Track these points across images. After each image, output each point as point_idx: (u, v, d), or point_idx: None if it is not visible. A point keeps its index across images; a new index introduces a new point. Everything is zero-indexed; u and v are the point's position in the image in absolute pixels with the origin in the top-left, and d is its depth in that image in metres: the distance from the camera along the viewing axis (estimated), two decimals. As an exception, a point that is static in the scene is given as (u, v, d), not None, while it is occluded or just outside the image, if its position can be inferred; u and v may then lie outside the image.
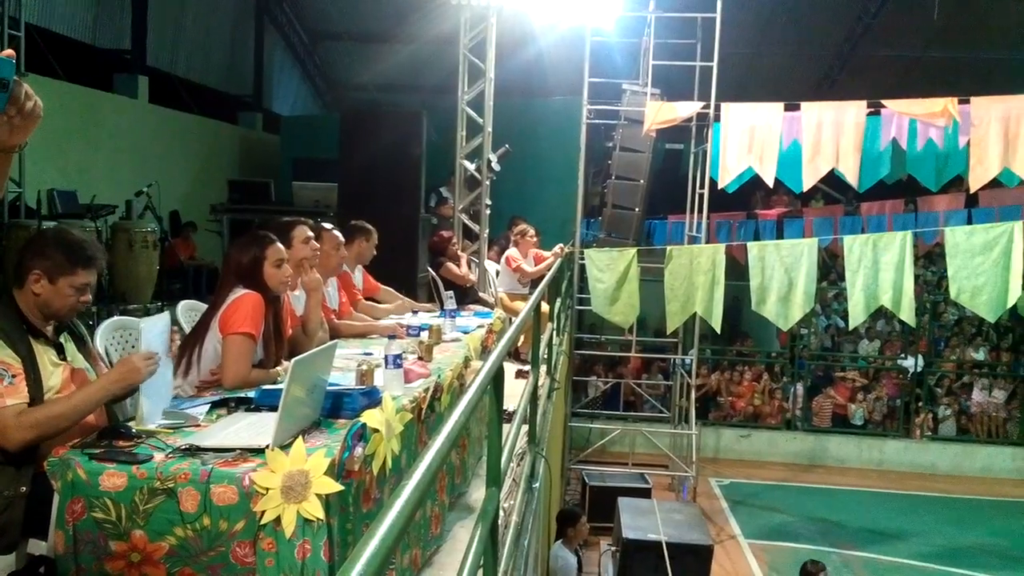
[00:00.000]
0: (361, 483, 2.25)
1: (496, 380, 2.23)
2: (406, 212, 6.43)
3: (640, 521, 5.15)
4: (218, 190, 10.57)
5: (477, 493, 3.63)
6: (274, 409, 2.21)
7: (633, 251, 9.34)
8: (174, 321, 3.16)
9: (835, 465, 13.20)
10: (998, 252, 8.21)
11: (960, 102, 9.40)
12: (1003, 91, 9.36)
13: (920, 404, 13.58)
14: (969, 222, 12.92)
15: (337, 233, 4.20)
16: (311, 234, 3.74)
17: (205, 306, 3.29)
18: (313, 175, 9.11)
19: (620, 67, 11.38)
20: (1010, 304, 8.28)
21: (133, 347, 3.11)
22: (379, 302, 4.83)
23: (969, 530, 10.60)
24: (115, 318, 3.42)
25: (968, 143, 9.38)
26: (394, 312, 4.69)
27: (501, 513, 2.54)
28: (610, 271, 9.23)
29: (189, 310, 3.69)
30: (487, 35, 7.54)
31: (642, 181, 10.39)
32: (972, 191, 10.87)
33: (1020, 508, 11.60)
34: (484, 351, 4.09)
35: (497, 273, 7.68)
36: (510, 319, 5.92)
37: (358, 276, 4.79)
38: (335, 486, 2.01)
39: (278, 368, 3.13)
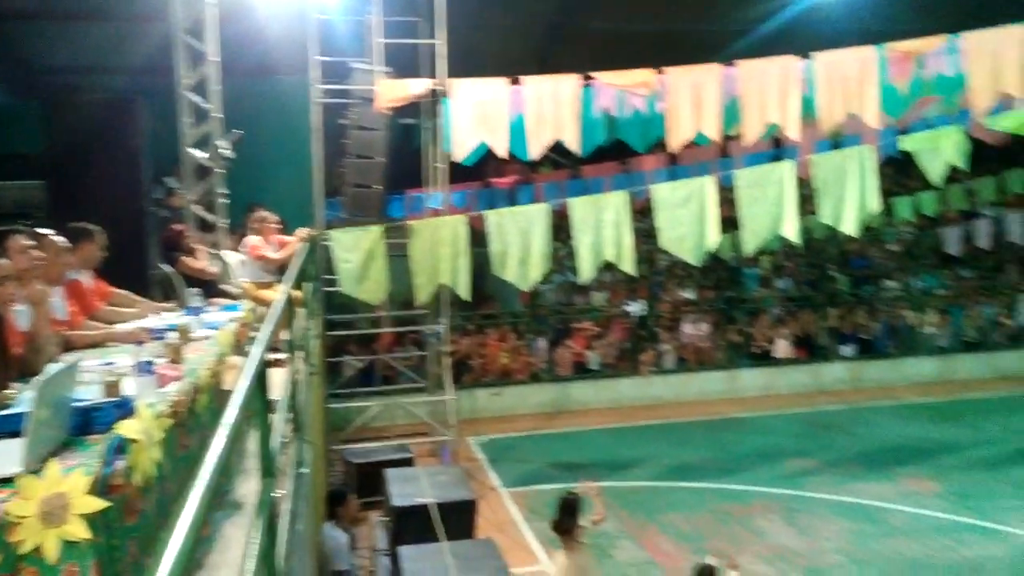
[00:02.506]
0: (124, 497, 2.23)
1: (262, 373, 2.30)
2: (130, 207, 6.06)
3: (407, 488, 5.39)
4: None
5: (242, 488, 3.63)
6: (12, 435, 2.12)
7: (378, 229, 9.47)
8: None
9: (579, 409, 14.41)
10: (696, 204, 9.38)
11: (659, 72, 10.53)
12: (693, 61, 10.51)
13: (645, 344, 15.16)
14: (672, 179, 14.52)
15: (58, 239, 3.92)
16: (29, 243, 3.48)
17: None
18: (9, 173, 8.12)
19: (348, 45, 11.32)
20: (709, 248, 9.53)
21: None
22: (116, 307, 4.56)
23: (692, 448, 12.13)
24: None
25: (665, 109, 10.54)
26: (137, 316, 4.46)
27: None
28: (356, 251, 9.29)
29: None
30: (206, 16, 7.20)
31: (380, 159, 10.50)
32: (672, 151, 12.26)
33: (730, 423, 13.45)
34: (239, 345, 4.05)
35: (241, 263, 7.46)
36: (257, 309, 5.84)
37: (87, 282, 4.49)
38: (99, 503, 1.98)
39: (7, 392, 2.92)
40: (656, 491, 10.43)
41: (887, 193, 13.65)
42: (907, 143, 9.41)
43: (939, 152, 8.99)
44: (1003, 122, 9.09)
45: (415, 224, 9.66)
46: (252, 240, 7.44)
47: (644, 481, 10.78)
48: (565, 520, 6.54)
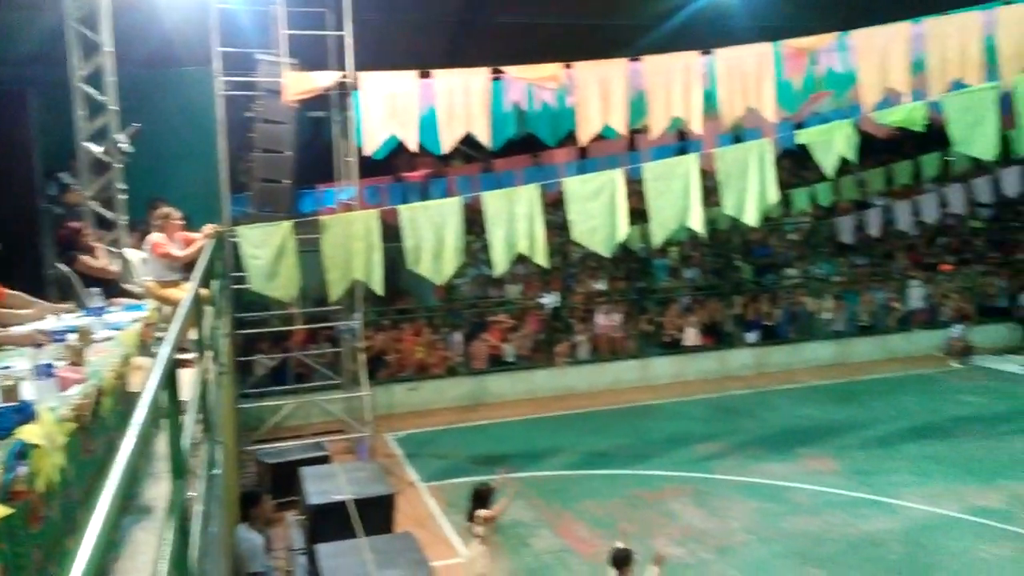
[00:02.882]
0: (27, 503, 2.15)
1: (171, 373, 2.26)
2: (21, 204, 5.77)
3: (324, 486, 5.33)
4: None
5: (152, 491, 3.54)
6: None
7: (287, 225, 9.28)
8: None
9: (495, 402, 14.50)
10: (606, 196, 9.55)
11: (567, 66, 10.68)
12: (600, 56, 10.70)
13: (559, 335, 15.36)
14: (582, 172, 14.75)
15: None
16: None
17: None
18: None
19: (252, 36, 11.03)
20: (620, 240, 9.73)
21: None
22: (10, 308, 4.35)
23: (605, 436, 12.38)
24: None
25: (574, 103, 10.70)
26: (33, 318, 4.26)
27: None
28: (265, 247, 9.10)
29: None
30: (100, 3, 6.90)
31: (288, 152, 10.31)
32: (582, 145, 12.45)
33: (642, 411, 13.80)
34: (144, 346, 3.93)
35: (143, 261, 7.20)
36: (162, 308, 5.67)
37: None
38: (1, 510, 1.92)
39: None
40: (572, 479, 10.61)
41: (785, 185, 14.21)
42: (802, 136, 9.82)
43: (832, 145, 9.42)
44: (890, 116, 9.58)
45: (326, 219, 9.51)
46: (155, 237, 7.18)
47: (560, 470, 10.95)
48: (477, 511, 6.68)
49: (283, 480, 8.78)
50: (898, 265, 18.25)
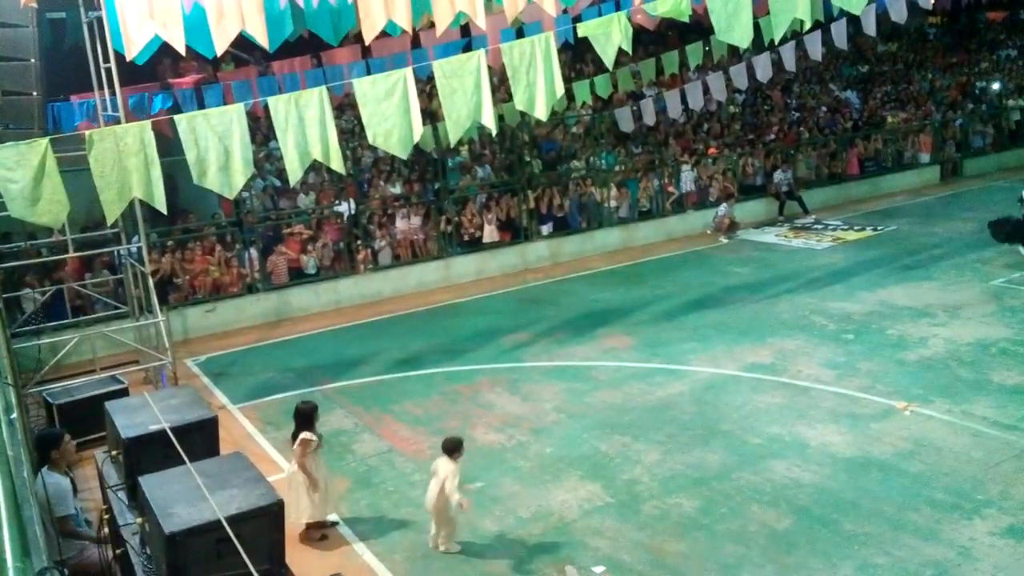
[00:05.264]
0: None
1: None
2: None
3: (137, 418, 5.00)
4: None
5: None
6: None
7: (44, 142, 8.25)
8: None
9: (300, 315, 14.17)
10: (398, 96, 9.32)
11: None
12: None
13: (359, 242, 15.14)
14: (368, 72, 14.28)
15: None
16: None
17: None
18: None
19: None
20: (415, 140, 9.61)
21: None
22: None
23: (416, 338, 12.55)
24: None
25: (355, -2, 10.22)
26: None
27: None
28: (22, 168, 8.06)
29: None
30: None
31: (33, 60, 9.10)
32: (368, 42, 12.00)
33: (449, 310, 14.09)
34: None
35: None
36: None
37: None
38: None
39: None
40: (387, 384, 10.71)
41: (566, 78, 14.61)
42: (582, 29, 10.06)
43: (610, 37, 9.74)
44: (659, 7, 10.02)
45: (92, 133, 8.55)
46: None
47: (375, 376, 11.00)
48: (301, 429, 6.65)
49: (78, 419, 8.17)
50: (671, 152, 19.55)
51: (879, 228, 17.40)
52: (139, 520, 4.48)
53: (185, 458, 4.17)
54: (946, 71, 27.79)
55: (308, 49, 15.94)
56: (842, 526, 6.60)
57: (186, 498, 3.96)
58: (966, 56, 29.31)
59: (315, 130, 9.21)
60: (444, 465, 6.38)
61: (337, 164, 9.43)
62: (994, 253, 14.26)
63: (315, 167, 13.60)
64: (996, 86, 26.15)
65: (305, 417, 6.75)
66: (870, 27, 14.59)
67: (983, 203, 17.99)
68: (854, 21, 14.04)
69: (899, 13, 14.62)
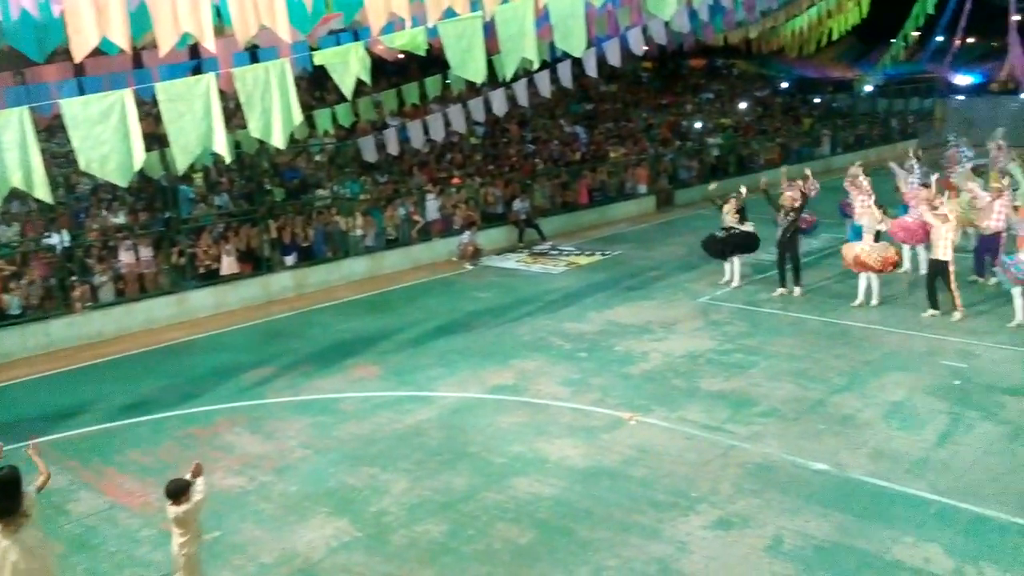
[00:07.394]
0: None
1: None
2: None
3: None
4: None
5: None
6: None
7: None
8: None
9: (2, 362, 12.51)
10: (116, 119, 8.61)
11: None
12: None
13: (75, 278, 13.70)
14: (82, 92, 13.03)
15: None
16: None
17: None
18: None
19: None
20: (137, 168, 8.91)
21: None
22: None
23: (145, 381, 11.54)
24: None
25: (63, 12, 9.32)
26: None
27: None
28: None
29: None
30: None
31: None
32: (77, 61, 10.95)
33: (183, 348, 13.14)
34: None
35: None
36: None
37: None
38: None
39: None
40: (110, 432, 9.75)
41: (307, 107, 14.35)
42: (319, 57, 9.96)
43: (347, 66, 9.73)
44: (396, 40, 10.19)
45: None
46: None
47: (95, 425, 9.96)
48: (5, 501, 5.68)
49: None
50: (416, 181, 19.85)
51: (606, 253, 18.86)
52: None
53: None
54: (658, 111, 31.02)
55: (10, 64, 14.25)
56: (578, 534, 7.00)
57: None
58: (674, 98, 32.94)
59: (14, 154, 8.26)
60: (171, 514, 5.85)
61: (42, 192, 8.50)
62: (699, 274, 16.02)
63: (18, 195, 12.15)
64: (698, 125, 29.59)
65: (8, 489, 5.81)
66: (591, 69, 15.85)
67: (691, 229, 20.12)
68: (578, 63, 15.19)
69: (615, 57, 16.08)
